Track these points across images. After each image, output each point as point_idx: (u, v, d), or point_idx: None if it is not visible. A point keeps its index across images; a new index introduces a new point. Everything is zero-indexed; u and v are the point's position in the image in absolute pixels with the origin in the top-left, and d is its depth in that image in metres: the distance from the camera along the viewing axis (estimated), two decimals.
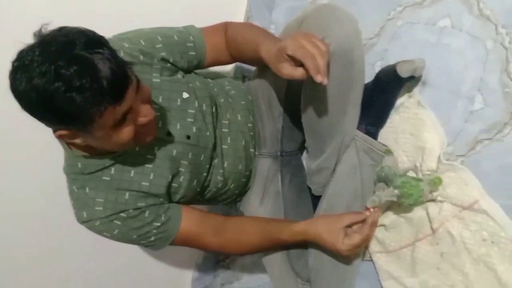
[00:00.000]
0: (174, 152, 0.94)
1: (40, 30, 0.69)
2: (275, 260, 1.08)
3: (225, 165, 1.05)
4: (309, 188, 1.12)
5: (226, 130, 1.06)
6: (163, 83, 0.94)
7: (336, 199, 1.01)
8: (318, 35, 0.81)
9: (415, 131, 0.99)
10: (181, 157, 0.95)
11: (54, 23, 0.70)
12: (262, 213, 1.12)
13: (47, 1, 1.04)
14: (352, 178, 1.01)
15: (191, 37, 1.00)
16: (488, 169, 0.89)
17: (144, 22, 0.99)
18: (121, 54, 0.88)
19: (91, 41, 0.69)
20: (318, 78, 0.77)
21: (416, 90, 0.99)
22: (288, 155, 1.17)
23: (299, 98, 1.00)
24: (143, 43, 0.93)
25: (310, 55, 0.77)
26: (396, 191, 0.92)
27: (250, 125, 1.11)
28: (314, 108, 0.96)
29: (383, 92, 0.98)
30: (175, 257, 1.51)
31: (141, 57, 0.92)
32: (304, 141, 1.16)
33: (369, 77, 1.01)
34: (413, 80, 0.96)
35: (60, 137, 0.76)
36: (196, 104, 0.98)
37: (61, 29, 0.70)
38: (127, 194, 0.89)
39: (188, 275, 1.60)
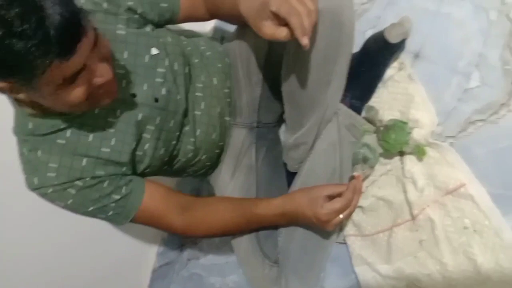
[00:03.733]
0: (140, 116, 0.84)
1: None
2: (242, 238, 1.00)
3: (197, 133, 0.96)
4: (285, 164, 1.04)
5: (200, 94, 0.96)
6: (129, 36, 0.83)
7: (311, 177, 0.94)
8: None
9: (403, 108, 0.91)
10: (147, 121, 0.85)
11: None
12: (232, 187, 1.04)
13: None
14: (330, 156, 0.93)
15: None
16: (478, 154, 0.82)
17: None
18: (82, 0, 0.77)
19: None
20: (304, 40, 0.67)
21: (408, 62, 0.92)
22: (265, 127, 1.08)
23: (280, 64, 0.90)
24: None
25: (296, 13, 0.67)
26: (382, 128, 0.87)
27: (226, 90, 1.02)
28: (295, 76, 0.87)
29: (372, 62, 0.90)
30: (138, 229, 1.42)
31: (105, 5, 0.80)
32: (283, 113, 1.07)
33: (358, 47, 0.92)
34: (402, 45, 0.88)
35: None
36: (167, 63, 0.87)
37: None
38: (85, 160, 0.80)
39: (153, 249, 1.53)
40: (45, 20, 0.56)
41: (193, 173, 1.05)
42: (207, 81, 0.98)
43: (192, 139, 0.95)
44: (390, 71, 0.93)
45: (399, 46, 0.87)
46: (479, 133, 0.82)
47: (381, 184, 0.95)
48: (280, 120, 1.12)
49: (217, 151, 1.03)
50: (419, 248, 0.89)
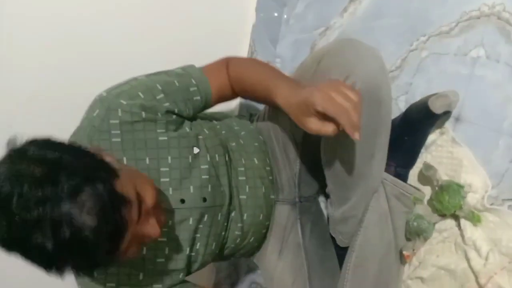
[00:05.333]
0: (191, 220, 0.82)
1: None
2: None
3: (244, 217, 0.94)
4: (333, 238, 1.01)
5: (243, 178, 0.94)
6: (170, 141, 0.81)
7: (367, 253, 0.90)
8: (343, 80, 0.72)
9: (451, 172, 0.89)
10: (198, 223, 0.83)
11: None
12: (281, 267, 1.00)
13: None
14: (383, 228, 0.90)
15: (193, 80, 0.87)
16: None
17: (142, 62, 0.89)
18: (119, 113, 0.76)
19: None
20: (356, 136, 0.66)
21: (449, 126, 0.90)
22: (307, 201, 1.06)
23: (318, 140, 0.90)
24: (142, 95, 0.78)
25: (344, 110, 0.67)
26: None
27: (268, 168, 1.00)
28: (337, 154, 0.86)
29: (414, 131, 0.89)
30: None
31: (143, 114, 0.78)
32: (321, 183, 1.05)
33: (392, 113, 0.91)
34: (446, 115, 0.87)
35: None
36: (208, 158, 0.86)
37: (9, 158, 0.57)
38: (141, 274, 0.78)
39: None
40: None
41: (240, 256, 1.02)
42: (248, 163, 0.96)
43: (240, 225, 0.93)
44: (432, 136, 0.92)
45: (442, 117, 0.86)
46: None
47: (439, 252, 0.91)
48: (319, 190, 1.11)
49: (264, 231, 1.00)
50: None
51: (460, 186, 0.86)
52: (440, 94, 0.85)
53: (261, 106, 1.13)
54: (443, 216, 0.90)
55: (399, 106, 0.98)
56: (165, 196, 0.79)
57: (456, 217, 0.89)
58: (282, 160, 1.02)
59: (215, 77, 0.91)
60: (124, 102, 0.77)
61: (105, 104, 0.74)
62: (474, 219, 0.84)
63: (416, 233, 0.88)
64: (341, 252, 0.99)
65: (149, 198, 0.65)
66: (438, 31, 0.93)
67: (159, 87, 0.82)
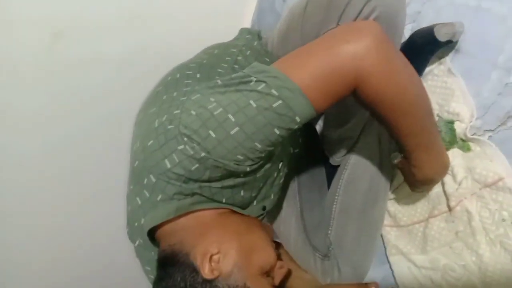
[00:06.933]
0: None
1: None
2: (290, 232, 1.03)
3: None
4: (324, 156, 1.06)
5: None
6: (263, 173, 0.78)
7: (359, 171, 0.97)
8: (364, 5, 0.74)
9: (442, 101, 0.92)
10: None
11: None
12: None
13: None
14: (375, 148, 0.96)
15: (297, 118, 0.67)
16: None
17: None
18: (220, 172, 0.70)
19: None
20: None
21: (448, 57, 0.92)
22: None
23: None
24: (240, 157, 0.68)
25: None
26: None
27: None
28: None
29: (415, 56, 0.90)
30: None
31: (243, 177, 0.75)
32: None
33: None
34: (448, 46, 0.89)
35: None
36: (286, 167, 0.90)
37: None
38: None
39: None
40: None
41: None
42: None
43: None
44: (430, 66, 0.94)
45: (444, 46, 0.88)
46: None
47: None
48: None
49: None
50: (455, 239, 0.90)
51: (451, 122, 0.89)
52: (447, 22, 0.87)
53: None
54: None
55: (404, 34, 1.00)
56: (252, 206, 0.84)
57: None
58: None
59: (326, 97, 0.68)
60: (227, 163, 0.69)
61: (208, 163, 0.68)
62: (465, 147, 0.89)
63: None
64: (331, 170, 1.05)
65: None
66: None
67: (259, 145, 0.67)
